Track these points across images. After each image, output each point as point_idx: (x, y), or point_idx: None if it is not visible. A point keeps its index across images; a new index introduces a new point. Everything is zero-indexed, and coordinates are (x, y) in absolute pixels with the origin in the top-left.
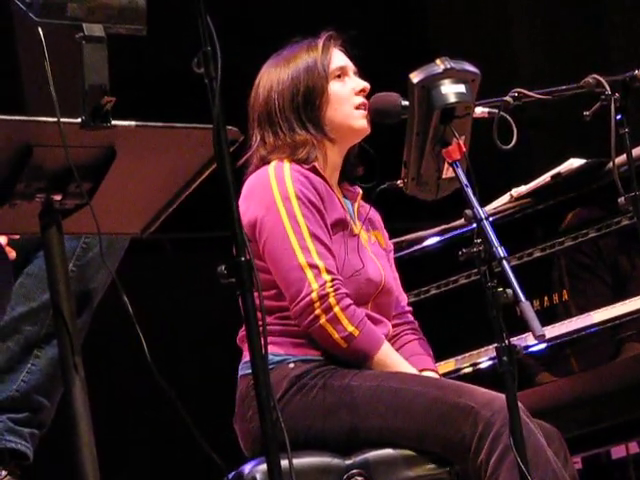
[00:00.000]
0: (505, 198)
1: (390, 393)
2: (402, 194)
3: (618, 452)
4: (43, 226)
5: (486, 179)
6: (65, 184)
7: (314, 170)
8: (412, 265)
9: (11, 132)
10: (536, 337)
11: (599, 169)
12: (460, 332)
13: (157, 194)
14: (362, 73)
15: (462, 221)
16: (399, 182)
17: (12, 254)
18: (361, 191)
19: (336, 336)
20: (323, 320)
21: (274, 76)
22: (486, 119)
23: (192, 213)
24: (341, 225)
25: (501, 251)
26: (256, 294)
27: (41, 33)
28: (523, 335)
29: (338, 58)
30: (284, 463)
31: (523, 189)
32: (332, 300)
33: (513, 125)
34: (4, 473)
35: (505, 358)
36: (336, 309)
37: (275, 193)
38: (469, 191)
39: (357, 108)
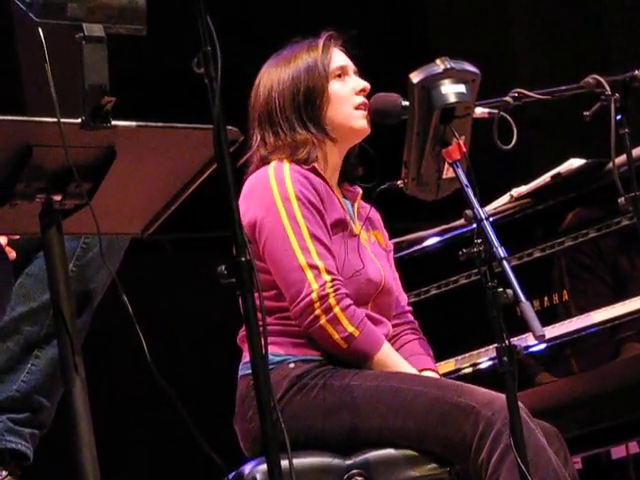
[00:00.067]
0: (505, 198)
1: (390, 393)
2: (402, 194)
3: (618, 452)
4: (43, 226)
5: (486, 179)
6: (65, 184)
7: (314, 170)
8: (412, 265)
9: (11, 132)
10: (536, 337)
11: (599, 169)
12: (460, 332)
13: (157, 194)
14: (362, 73)
15: (462, 221)
16: (399, 182)
17: (12, 254)
18: (361, 191)
19: (336, 336)
20: (323, 320)
21: (274, 76)
22: (486, 119)
23: (192, 213)
24: (341, 225)
25: (501, 251)
26: (256, 294)
27: (41, 33)
28: (523, 335)
29: (338, 58)
30: (284, 463)
31: (523, 189)
32: (332, 300)
33: (513, 125)
34: (4, 473)
35: (505, 358)
36: (336, 309)
37: (275, 194)
38: (469, 191)
39: (357, 108)
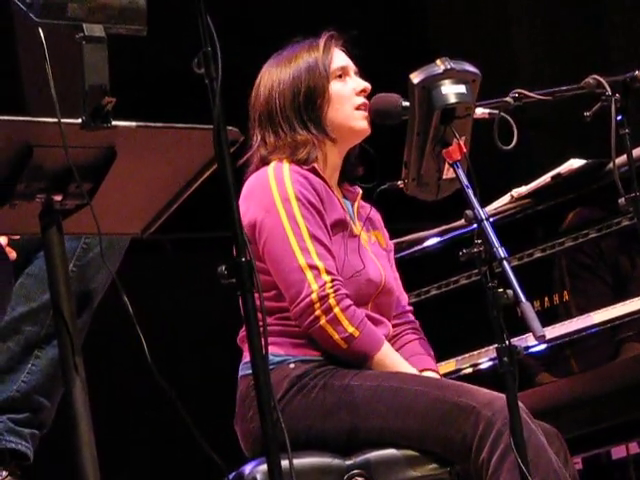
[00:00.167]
0: (505, 199)
1: (390, 393)
2: (403, 195)
3: (618, 452)
4: (43, 226)
5: (486, 180)
6: (65, 184)
7: (313, 171)
8: (413, 265)
9: (11, 132)
10: (536, 338)
11: (599, 170)
12: (461, 332)
13: (157, 194)
14: (362, 73)
15: (463, 222)
16: (399, 183)
17: (12, 254)
18: (361, 191)
19: (336, 337)
20: (323, 321)
21: (275, 76)
22: (486, 120)
23: (192, 213)
24: (341, 226)
25: (501, 252)
26: (256, 295)
27: (41, 33)
28: (523, 336)
29: (339, 58)
30: (284, 463)
31: (523, 190)
32: (332, 301)
33: (513, 126)
34: (4, 473)
35: (506, 358)
36: (336, 310)
37: (275, 194)
38: (470, 192)
39: (357, 109)
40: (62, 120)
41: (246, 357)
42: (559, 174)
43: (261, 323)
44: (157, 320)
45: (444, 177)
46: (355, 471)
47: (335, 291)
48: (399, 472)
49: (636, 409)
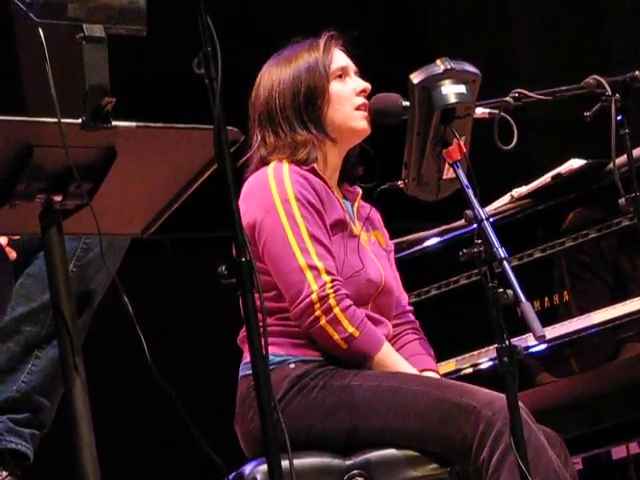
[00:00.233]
0: (506, 199)
1: (391, 393)
2: (403, 195)
3: (618, 452)
4: (43, 227)
5: (487, 180)
6: (65, 184)
7: (313, 171)
8: (413, 266)
9: (11, 132)
10: (536, 338)
11: (599, 170)
12: (461, 332)
13: (158, 195)
14: (362, 73)
15: (463, 222)
16: (400, 183)
17: (12, 254)
18: (361, 191)
19: (336, 337)
20: (323, 321)
21: (275, 75)
22: (486, 120)
23: (192, 213)
24: (340, 226)
25: (502, 252)
26: (256, 295)
27: (41, 34)
28: (524, 336)
29: (339, 58)
30: (285, 463)
31: (523, 190)
32: (332, 301)
33: (514, 126)
34: (4, 473)
35: (506, 359)
36: (336, 310)
37: (274, 195)
38: (470, 192)
39: (357, 109)
40: (62, 120)
41: (246, 357)
42: (559, 174)
43: (261, 323)
44: (157, 320)
45: (444, 177)
46: (355, 471)
47: (335, 291)
48: (399, 472)
49: (636, 409)
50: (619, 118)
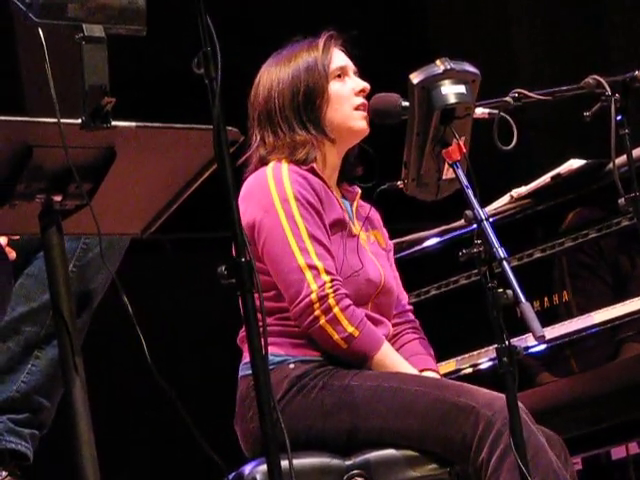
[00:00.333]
0: (505, 199)
1: (390, 393)
2: (402, 195)
3: (618, 453)
4: (43, 227)
5: (486, 180)
6: (65, 185)
7: (312, 171)
8: (412, 266)
9: (11, 133)
10: (536, 338)
11: (599, 170)
12: (460, 333)
13: (157, 195)
14: (362, 73)
15: (462, 222)
16: (399, 183)
17: (12, 255)
18: (360, 191)
19: (336, 337)
20: (323, 321)
21: (274, 75)
22: (486, 120)
23: (192, 213)
24: (340, 226)
25: (501, 252)
26: (256, 295)
27: (41, 34)
28: (523, 336)
29: (338, 58)
30: (284, 464)
31: (523, 190)
32: (332, 301)
33: (513, 126)
34: (4, 474)
35: (505, 359)
36: (336, 310)
37: (273, 195)
38: (469, 192)
39: (357, 109)
40: (62, 120)
41: (246, 357)
42: (559, 174)
43: (261, 323)
44: (157, 320)
45: (444, 177)
46: (355, 471)
47: (334, 291)
48: (399, 472)
49: (636, 409)
50: (619, 118)
